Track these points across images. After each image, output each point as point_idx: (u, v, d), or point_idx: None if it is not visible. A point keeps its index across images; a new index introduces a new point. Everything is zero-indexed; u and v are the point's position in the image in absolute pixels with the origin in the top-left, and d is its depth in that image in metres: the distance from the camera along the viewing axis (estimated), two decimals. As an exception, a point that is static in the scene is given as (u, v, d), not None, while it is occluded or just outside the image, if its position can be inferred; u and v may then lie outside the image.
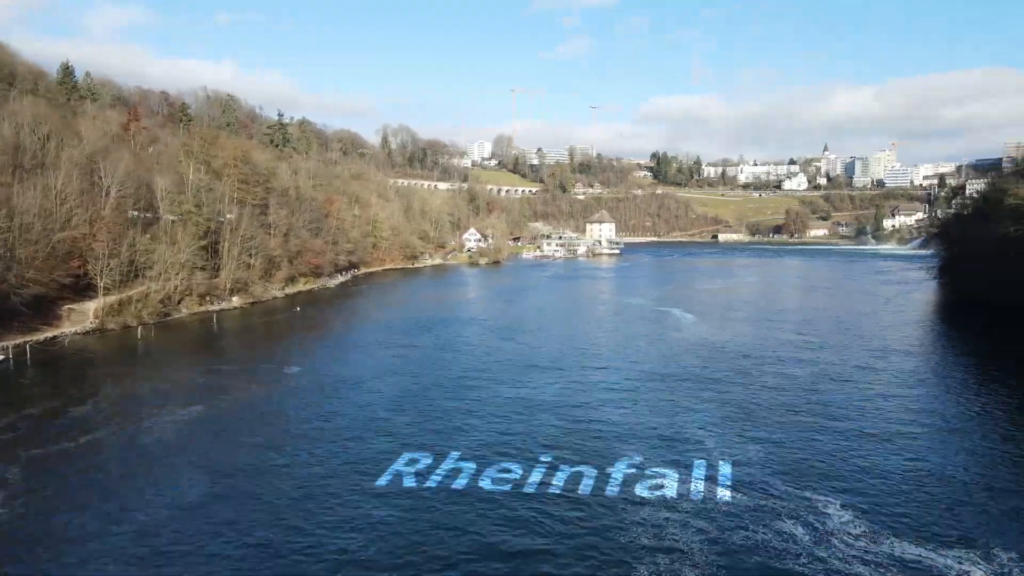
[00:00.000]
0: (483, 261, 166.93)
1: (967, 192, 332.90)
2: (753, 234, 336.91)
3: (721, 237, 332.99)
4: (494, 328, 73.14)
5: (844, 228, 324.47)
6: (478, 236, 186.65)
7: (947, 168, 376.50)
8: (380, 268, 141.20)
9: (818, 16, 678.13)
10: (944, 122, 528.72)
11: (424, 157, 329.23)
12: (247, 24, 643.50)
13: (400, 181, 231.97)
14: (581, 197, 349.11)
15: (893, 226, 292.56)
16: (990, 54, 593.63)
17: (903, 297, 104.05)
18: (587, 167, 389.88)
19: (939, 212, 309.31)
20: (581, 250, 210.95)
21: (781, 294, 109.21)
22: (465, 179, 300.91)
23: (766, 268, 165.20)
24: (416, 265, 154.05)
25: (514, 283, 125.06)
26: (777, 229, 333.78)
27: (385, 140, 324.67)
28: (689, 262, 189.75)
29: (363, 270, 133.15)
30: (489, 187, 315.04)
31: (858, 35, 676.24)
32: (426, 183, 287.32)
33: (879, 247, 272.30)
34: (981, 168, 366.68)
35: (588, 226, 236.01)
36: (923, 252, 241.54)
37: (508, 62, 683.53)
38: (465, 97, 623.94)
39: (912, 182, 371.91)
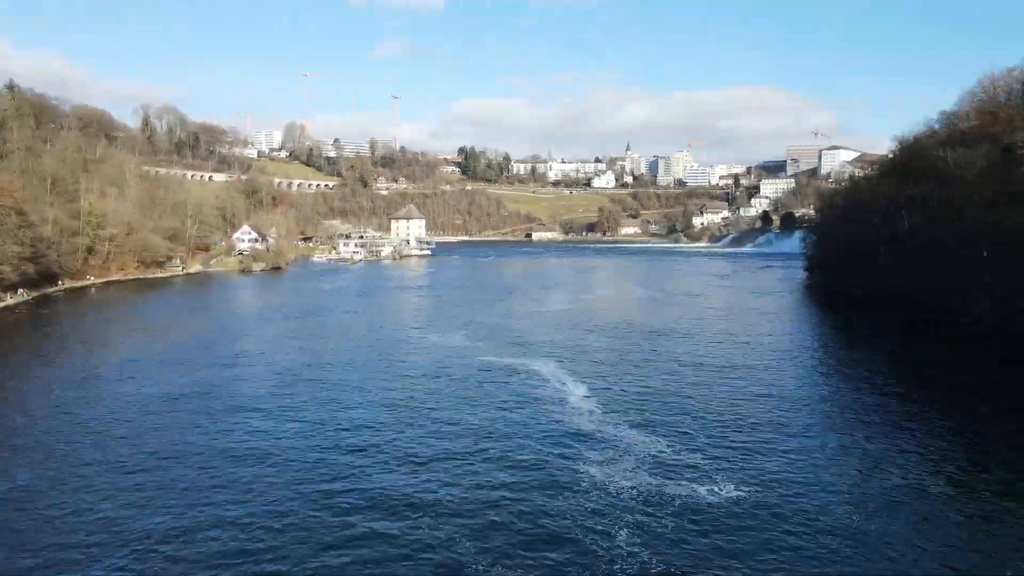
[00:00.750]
0: (258, 267, 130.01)
1: (761, 191, 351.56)
2: (567, 232, 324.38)
3: (535, 236, 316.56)
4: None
5: (655, 226, 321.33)
6: (254, 235, 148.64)
7: (739, 169, 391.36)
8: (100, 280, 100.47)
9: (614, 31, 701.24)
10: (720, 131, 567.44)
11: (197, 144, 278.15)
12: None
13: (162, 170, 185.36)
14: (384, 193, 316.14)
15: (702, 224, 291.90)
16: (760, 74, 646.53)
17: (794, 313, 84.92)
18: (390, 161, 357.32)
19: (740, 210, 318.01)
20: (386, 251, 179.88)
21: (651, 313, 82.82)
22: (248, 169, 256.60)
23: (599, 273, 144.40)
24: (162, 275, 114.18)
25: (278, 303, 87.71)
26: (591, 227, 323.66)
27: (146, 122, 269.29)
28: (509, 265, 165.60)
29: (66, 284, 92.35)
30: (277, 180, 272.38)
31: (649, 49, 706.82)
32: (198, 174, 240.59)
33: (692, 245, 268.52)
34: (768, 169, 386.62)
35: (393, 223, 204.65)
36: (739, 249, 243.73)
37: (326, 58, 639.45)
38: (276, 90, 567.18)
39: (710, 182, 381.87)
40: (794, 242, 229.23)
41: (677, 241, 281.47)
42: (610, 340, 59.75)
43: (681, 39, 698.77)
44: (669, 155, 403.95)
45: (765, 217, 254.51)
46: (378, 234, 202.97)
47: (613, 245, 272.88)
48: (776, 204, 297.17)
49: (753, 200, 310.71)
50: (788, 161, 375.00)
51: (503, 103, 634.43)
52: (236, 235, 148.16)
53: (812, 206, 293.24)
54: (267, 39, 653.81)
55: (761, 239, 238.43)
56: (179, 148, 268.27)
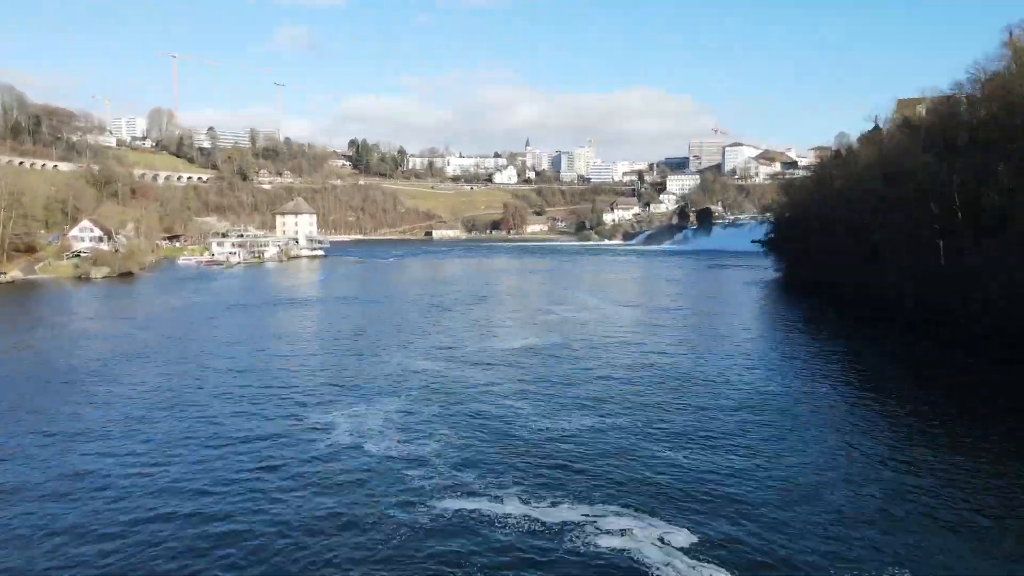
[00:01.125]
0: (100, 273, 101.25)
1: (668, 188, 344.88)
2: (470, 230, 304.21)
3: (436, 234, 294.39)
4: None
5: (562, 224, 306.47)
6: (97, 233, 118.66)
7: (642, 165, 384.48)
8: None
9: (512, 31, 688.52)
10: (610, 133, 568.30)
11: (38, 128, 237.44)
12: None
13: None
14: (268, 187, 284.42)
15: (614, 221, 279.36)
16: (651, 78, 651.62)
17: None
18: (273, 153, 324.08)
19: (650, 206, 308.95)
20: (270, 251, 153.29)
21: (676, 350, 59.40)
22: (100, 157, 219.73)
23: (532, 279, 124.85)
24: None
25: (82, 332, 58.17)
26: (495, 225, 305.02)
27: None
28: (417, 267, 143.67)
29: None
30: (140, 171, 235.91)
31: (545, 50, 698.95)
32: (39, 162, 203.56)
33: (605, 243, 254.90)
34: (672, 165, 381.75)
35: (279, 219, 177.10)
36: (657, 247, 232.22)
37: (213, 46, 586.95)
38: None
39: (614, 178, 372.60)
40: (714, 239, 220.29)
41: (588, 239, 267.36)
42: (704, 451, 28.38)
43: (576, 41, 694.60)
44: (572, 150, 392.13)
45: (682, 213, 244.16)
46: (261, 232, 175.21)
47: (521, 244, 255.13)
48: (685, 200, 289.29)
49: (662, 196, 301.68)
50: (691, 158, 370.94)
51: (396, 101, 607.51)
52: (72, 232, 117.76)
53: (721, 202, 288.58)
54: (147, 24, 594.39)
55: (679, 236, 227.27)
56: (15, 132, 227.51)
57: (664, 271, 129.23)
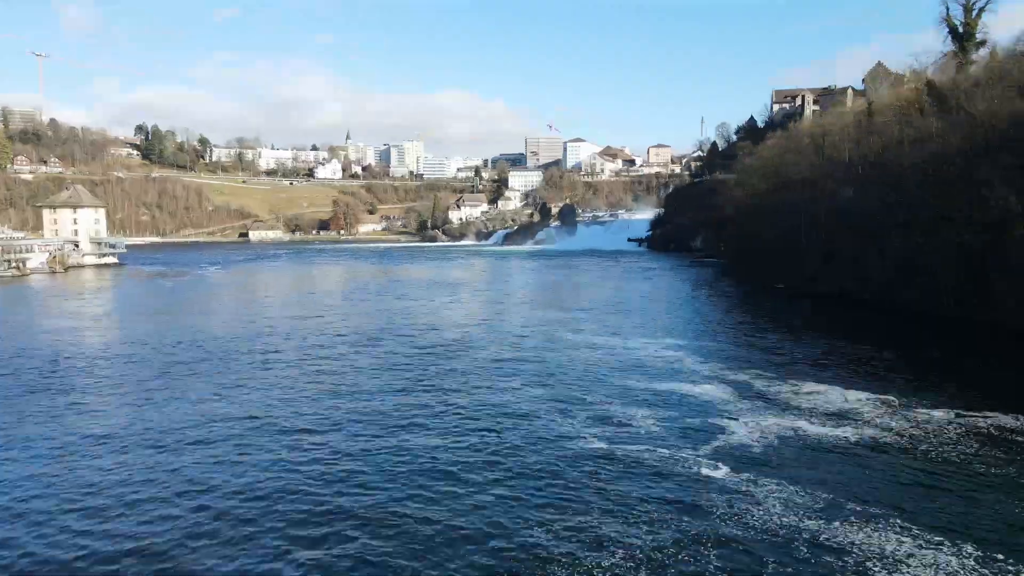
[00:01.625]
0: None
1: (510, 184, 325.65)
2: (293, 230, 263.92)
3: (254, 235, 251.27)
4: None
5: (399, 222, 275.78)
6: None
7: (476, 161, 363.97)
8: None
9: (321, 24, 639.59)
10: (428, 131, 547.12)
11: None
12: None
13: None
14: (29, 177, 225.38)
15: (461, 219, 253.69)
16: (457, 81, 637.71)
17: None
18: (35, 137, 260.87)
19: (498, 203, 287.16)
20: (35, 260, 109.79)
21: None
22: None
23: (412, 292, 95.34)
24: None
25: None
26: (323, 224, 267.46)
27: None
28: (257, 281, 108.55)
29: None
30: None
31: (357, 48, 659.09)
32: None
33: (456, 243, 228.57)
34: (508, 160, 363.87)
35: (48, 215, 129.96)
36: (518, 248, 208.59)
37: None
38: None
39: (447, 174, 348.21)
40: (581, 238, 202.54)
41: (435, 239, 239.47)
42: None
43: (392, 41, 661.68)
44: (401, 144, 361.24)
45: (543, 210, 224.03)
46: (21, 234, 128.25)
47: (358, 246, 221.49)
48: (531, 197, 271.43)
49: (508, 193, 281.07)
50: (528, 154, 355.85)
51: (197, 92, 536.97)
52: None
53: (569, 198, 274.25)
54: None
55: (541, 235, 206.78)
56: None
57: (562, 276, 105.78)
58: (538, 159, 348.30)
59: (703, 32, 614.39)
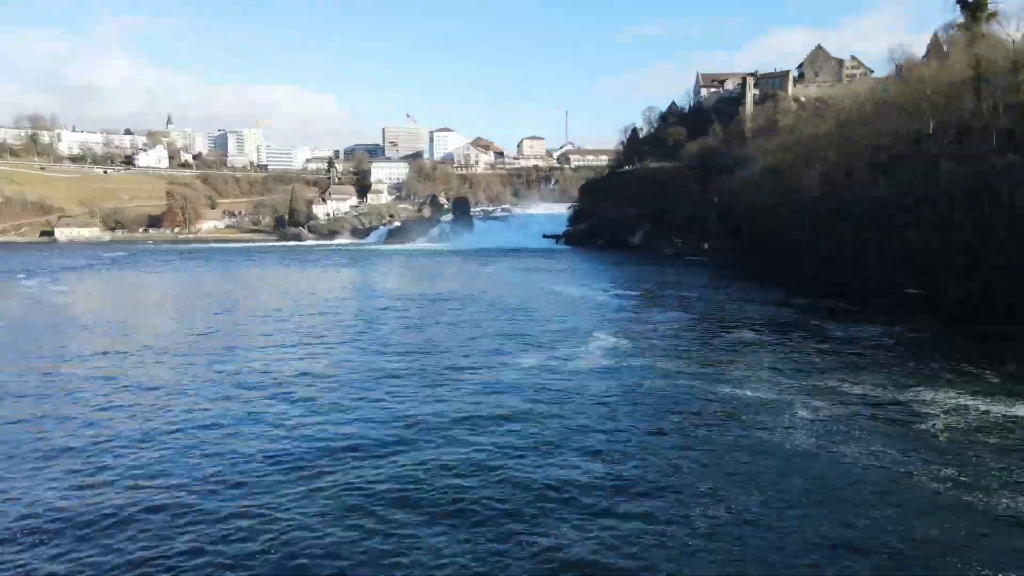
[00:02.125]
0: None
1: (373, 175, 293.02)
2: (114, 227, 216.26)
3: (61, 233, 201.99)
4: None
5: (248, 218, 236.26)
6: None
7: (325, 152, 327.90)
8: None
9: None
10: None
11: None
12: None
13: None
14: None
15: (328, 214, 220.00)
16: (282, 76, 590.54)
17: None
18: None
19: (368, 196, 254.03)
20: None
21: None
22: None
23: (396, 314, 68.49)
24: None
25: None
26: (154, 221, 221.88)
27: None
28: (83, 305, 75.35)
29: None
30: None
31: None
32: None
33: (328, 242, 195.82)
34: (365, 151, 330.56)
35: None
36: (409, 246, 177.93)
37: None
38: None
39: (294, 165, 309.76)
40: (480, 234, 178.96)
41: (299, 238, 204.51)
42: None
43: (212, 27, 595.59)
44: (241, 130, 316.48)
45: (434, 203, 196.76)
46: None
47: (204, 245, 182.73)
48: (403, 190, 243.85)
49: (377, 186, 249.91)
50: (387, 144, 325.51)
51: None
52: None
53: (444, 191, 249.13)
54: None
55: (435, 231, 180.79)
56: None
57: (511, 281, 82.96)
58: (398, 150, 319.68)
59: (561, 24, 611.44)
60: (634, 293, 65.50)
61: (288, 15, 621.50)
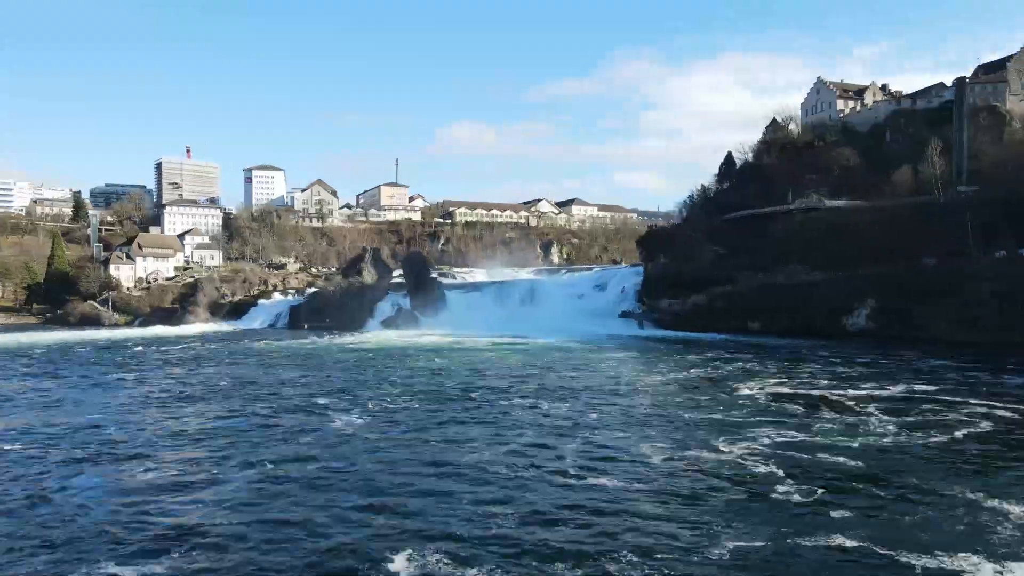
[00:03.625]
0: None
1: (162, 221, 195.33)
2: None
3: None
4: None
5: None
6: None
7: (60, 191, 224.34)
8: None
9: None
10: None
11: None
12: None
13: None
14: None
15: (144, 280, 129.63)
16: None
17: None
18: None
19: (193, 252, 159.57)
20: None
21: None
22: None
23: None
24: None
25: None
26: None
27: None
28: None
29: None
30: None
31: None
32: None
33: (168, 329, 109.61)
34: (131, 191, 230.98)
35: None
36: (361, 340, 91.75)
37: None
38: None
39: (12, 204, 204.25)
40: (459, 313, 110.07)
41: (97, 322, 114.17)
42: None
43: None
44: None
45: (377, 262, 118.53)
46: None
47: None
48: (218, 241, 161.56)
49: (187, 238, 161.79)
50: (166, 185, 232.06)
51: None
52: None
53: (295, 251, 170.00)
54: None
55: (386, 308, 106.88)
56: None
57: None
58: (181, 191, 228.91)
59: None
60: None
61: None
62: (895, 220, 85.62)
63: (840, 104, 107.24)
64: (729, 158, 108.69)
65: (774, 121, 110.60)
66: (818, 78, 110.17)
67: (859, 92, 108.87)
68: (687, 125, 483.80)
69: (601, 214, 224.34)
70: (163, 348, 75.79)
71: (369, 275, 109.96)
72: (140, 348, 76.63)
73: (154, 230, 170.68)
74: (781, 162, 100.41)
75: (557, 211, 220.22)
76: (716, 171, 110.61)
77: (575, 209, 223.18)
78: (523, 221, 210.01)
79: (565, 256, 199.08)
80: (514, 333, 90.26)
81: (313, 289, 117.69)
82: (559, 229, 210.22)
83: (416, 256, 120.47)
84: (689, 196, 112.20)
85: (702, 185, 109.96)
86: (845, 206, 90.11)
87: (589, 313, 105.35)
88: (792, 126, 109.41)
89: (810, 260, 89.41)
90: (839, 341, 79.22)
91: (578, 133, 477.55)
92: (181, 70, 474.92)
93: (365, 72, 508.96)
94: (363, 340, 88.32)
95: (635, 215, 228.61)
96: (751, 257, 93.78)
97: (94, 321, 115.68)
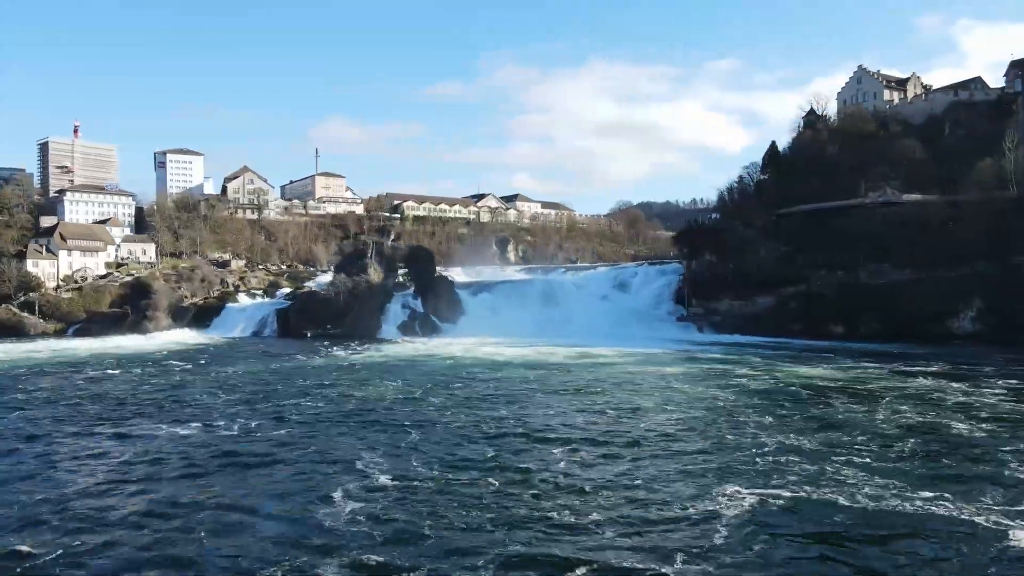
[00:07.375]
0: None
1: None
2: None
3: None
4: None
5: None
6: None
7: None
8: None
9: None
10: None
11: None
12: None
13: None
14: None
15: (72, 279, 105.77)
16: None
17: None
18: None
19: (121, 247, 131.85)
20: None
21: None
22: None
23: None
24: None
25: None
26: None
27: None
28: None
29: None
30: None
31: None
32: None
33: (107, 342, 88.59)
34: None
35: None
36: (380, 354, 74.05)
37: None
38: None
39: None
40: (478, 320, 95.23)
41: (19, 330, 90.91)
42: None
43: None
44: None
45: (380, 257, 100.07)
46: None
47: None
48: (151, 234, 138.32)
49: (111, 229, 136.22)
50: (53, 170, 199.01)
51: None
52: None
53: (234, 247, 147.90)
54: None
55: (400, 314, 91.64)
56: None
57: None
58: (71, 178, 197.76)
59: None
60: None
61: None
62: (980, 217, 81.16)
63: (887, 95, 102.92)
64: (773, 148, 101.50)
65: (812, 111, 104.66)
66: (859, 66, 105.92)
67: (900, 83, 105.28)
68: (558, 132, 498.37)
69: (545, 211, 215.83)
70: (154, 378, 52.78)
71: (375, 273, 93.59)
72: (115, 372, 56.55)
73: (46, 221, 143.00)
74: (844, 152, 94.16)
75: (505, 207, 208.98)
76: (759, 161, 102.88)
77: (520, 205, 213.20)
78: (474, 217, 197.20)
79: (521, 254, 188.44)
80: (554, 341, 78.78)
81: (306, 289, 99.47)
82: (512, 226, 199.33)
83: (420, 251, 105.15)
84: (728, 188, 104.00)
85: (740, 177, 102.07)
86: (926, 200, 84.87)
87: (627, 315, 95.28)
88: (831, 115, 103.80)
89: (891, 259, 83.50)
90: (943, 346, 73.41)
91: (450, 137, 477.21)
92: (60, 51, 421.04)
93: (246, 67, 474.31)
94: (395, 352, 73.54)
95: (578, 213, 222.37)
96: (821, 255, 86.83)
97: (15, 330, 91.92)
